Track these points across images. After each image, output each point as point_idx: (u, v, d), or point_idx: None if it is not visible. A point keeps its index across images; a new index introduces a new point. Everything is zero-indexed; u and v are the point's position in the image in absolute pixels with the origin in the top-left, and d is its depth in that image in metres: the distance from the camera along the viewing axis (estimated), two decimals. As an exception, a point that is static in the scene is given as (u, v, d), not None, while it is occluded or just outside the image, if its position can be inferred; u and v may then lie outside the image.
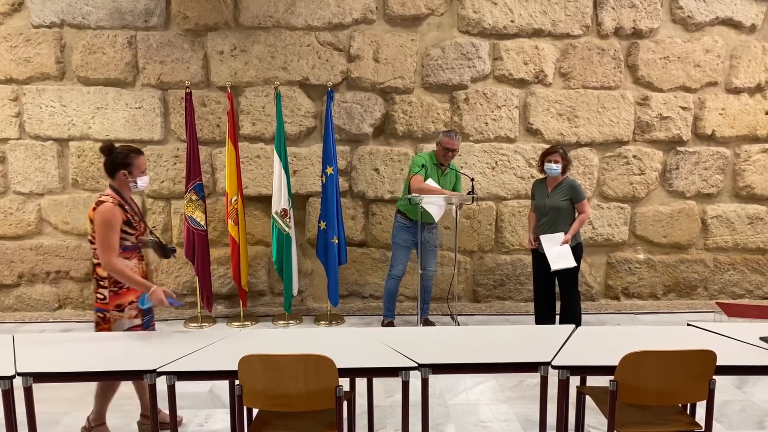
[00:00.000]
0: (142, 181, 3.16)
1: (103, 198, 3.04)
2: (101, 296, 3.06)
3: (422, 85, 5.34)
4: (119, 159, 3.08)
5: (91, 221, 3.03)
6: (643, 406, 2.68)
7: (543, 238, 4.48)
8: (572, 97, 5.40)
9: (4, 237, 5.36)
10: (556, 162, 4.41)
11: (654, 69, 5.40)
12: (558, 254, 4.40)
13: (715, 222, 5.65)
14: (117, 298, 3.06)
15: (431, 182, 4.66)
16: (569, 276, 4.49)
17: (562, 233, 4.42)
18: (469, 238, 5.54)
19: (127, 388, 3.88)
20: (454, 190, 4.86)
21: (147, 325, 3.20)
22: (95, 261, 3.07)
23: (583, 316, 5.00)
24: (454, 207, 4.85)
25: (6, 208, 5.33)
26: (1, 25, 5.12)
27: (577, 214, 4.49)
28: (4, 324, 5.27)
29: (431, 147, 5.14)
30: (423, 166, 4.67)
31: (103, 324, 3.08)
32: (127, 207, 3.08)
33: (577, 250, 4.49)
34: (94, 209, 3.01)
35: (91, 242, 3.06)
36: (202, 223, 5.01)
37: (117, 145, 3.12)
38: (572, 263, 4.39)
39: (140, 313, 3.13)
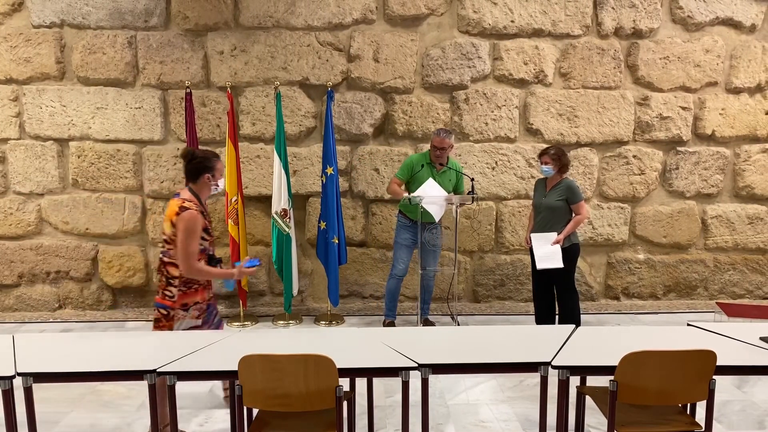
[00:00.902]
0: (222, 183, 3.30)
1: (186, 204, 3.09)
2: (170, 293, 3.12)
3: (422, 85, 5.34)
4: (204, 163, 3.18)
5: (172, 223, 3.08)
6: (643, 406, 2.68)
7: (534, 236, 4.52)
8: (572, 97, 5.40)
9: (4, 237, 5.36)
10: (545, 163, 4.47)
11: (654, 69, 5.40)
12: (546, 254, 4.43)
13: (715, 222, 5.65)
14: (185, 297, 3.12)
15: (431, 183, 4.66)
16: (563, 277, 4.50)
17: (555, 233, 4.44)
18: (469, 238, 5.53)
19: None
20: (455, 188, 4.86)
21: (214, 321, 3.30)
22: (165, 259, 3.13)
23: (583, 316, 5.00)
24: (454, 207, 4.85)
25: (6, 208, 5.33)
26: (1, 25, 5.12)
27: (574, 215, 4.50)
28: (4, 324, 5.27)
29: (431, 147, 5.14)
30: (417, 167, 4.69)
31: (164, 321, 3.12)
32: (205, 214, 3.19)
33: (572, 252, 4.50)
34: (177, 213, 3.06)
35: (167, 242, 3.11)
36: (202, 223, 5.00)
37: (196, 151, 3.27)
38: (559, 264, 4.40)
39: (202, 314, 3.21)
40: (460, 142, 5.39)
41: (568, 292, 4.56)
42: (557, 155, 4.45)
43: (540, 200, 4.58)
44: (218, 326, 3.37)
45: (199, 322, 3.20)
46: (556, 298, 4.65)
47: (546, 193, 4.55)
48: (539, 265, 4.44)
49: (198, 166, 3.17)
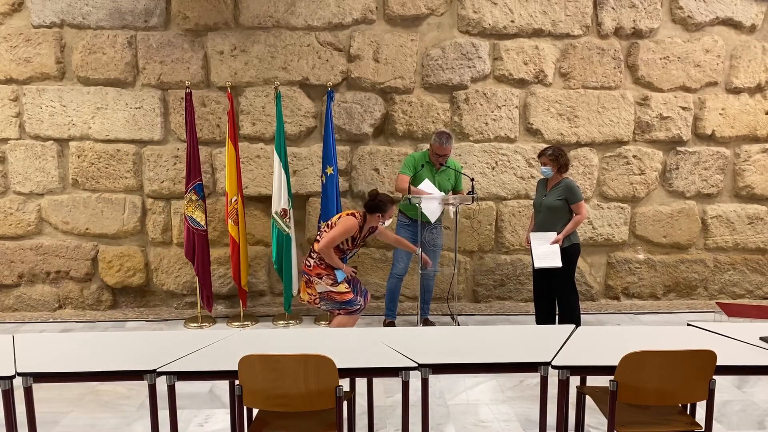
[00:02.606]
0: (387, 222, 4.29)
1: (356, 215, 4.21)
2: (308, 264, 4.25)
3: (422, 85, 5.34)
4: (381, 207, 4.19)
5: (339, 217, 4.22)
6: (643, 406, 2.68)
7: (533, 235, 4.53)
8: (572, 97, 5.40)
9: (4, 237, 5.36)
10: (544, 164, 4.51)
11: (654, 69, 5.40)
12: (544, 253, 4.44)
13: (715, 222, 5.65)
14: (317, 269, 4.21)
15: (428, 183, 4.67)
16: (563, 277, 4.51)
17: (554, 233, 4.45)
18: (469, 238, 5.54)
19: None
20: (455, 188, 4.87)
21: (362, 290, 4.44)
22: (317, 237, 4.27)
23: (583, 316, 5.01)
24: (453, 207, 4.84)
25: (6, 208, 5.33)
26: (1, 25, 5.12)
27: (574, 215, 4.51)
28: (4, 324, 5.27)
29: (431, 147, 5.14)
30: (418, 166, 4.72)
31: (309, 284, 4.24)
32: (362, 230, 4.24)
33: (572, 251, 4.50)
34: (347, 215, 4.20)
35: (326, 227, 4.21)
36: (202, 223, 5.01)
37: (380, 194, 4.26)
38: (557, 263, 4.40)
39: (334, 284, 4.20)
40: (460, 142, 5.40)
41: (568, 292, 4.56)
42: (555, 155, 4.47)
43: (540, 200, 4.60)
44: (365, 296, 4.48)
45: (335, 289, 4.18)
46: (556, 297, 4.65)
47: (546, 193, 4.56)
48: (537, 264, 4.45)
49: (377, 206, 4.19)
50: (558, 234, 4.45)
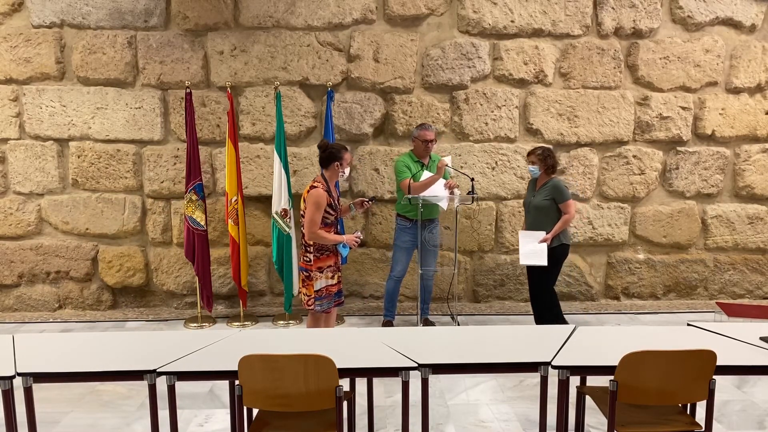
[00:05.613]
0: (347, 171, 3.92)
1: (316, 184, 3.79)
2: (307, 259, 3.86)
3: (422, 85, 5.34)
4: (335, 153, 3.82)
5: (303, 200, 3.82)
6: (643, 406, 2.68)
7: (522, 233, 4.58)
8: (572, 97, 5.40)
9: (4, 237, 5.36)
10: (532, 163, 4.55)
11: (654, 69, 5.40)
12: (531, 251, 4.49)
13: (715, 222, 5.65)
14: (318, 262, 3.84)
15: (427, 173, 4.69)
16: (541, 273, 4.54)
17: (543, 232, 4.47)
18: (469, 238, 5.54)
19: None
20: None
21: (339, 296, 4.00)
22: (303, 231, 3.83)
23: (583, 316, 5.02)
24: (456, 194, 4.82)
25: (6, 208, 5.33)
26: (1, 25, 5.12)
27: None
28: (4, 324, 5.27)
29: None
30: (409, 166, 4.73)
31: (307, 281, 3.85)
32: (331, 194, 3.82)
33: (559, 251, 4.53)
34: (308, 191, 3.77)
35: (303, 216, 3.81)
36: (202, 223, 5.01)
37: (330, 143, 3.91)
38: (543, 262, 4.44)
39: (335, 274, 3.91)
40: (460, 142, 5.40)
41: (542, 291, 4.59)
42: (543, 156, 4.52)
43: (529, 200, 4.66)
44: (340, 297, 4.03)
45: (333, 281, 3.90)
46: (529, 293, 4.69)
47: (534, 193, 4.60)
48: (522, 261, 4.51)
49: (330, 155, 3.82)
50: (547, 233, 4.48)
